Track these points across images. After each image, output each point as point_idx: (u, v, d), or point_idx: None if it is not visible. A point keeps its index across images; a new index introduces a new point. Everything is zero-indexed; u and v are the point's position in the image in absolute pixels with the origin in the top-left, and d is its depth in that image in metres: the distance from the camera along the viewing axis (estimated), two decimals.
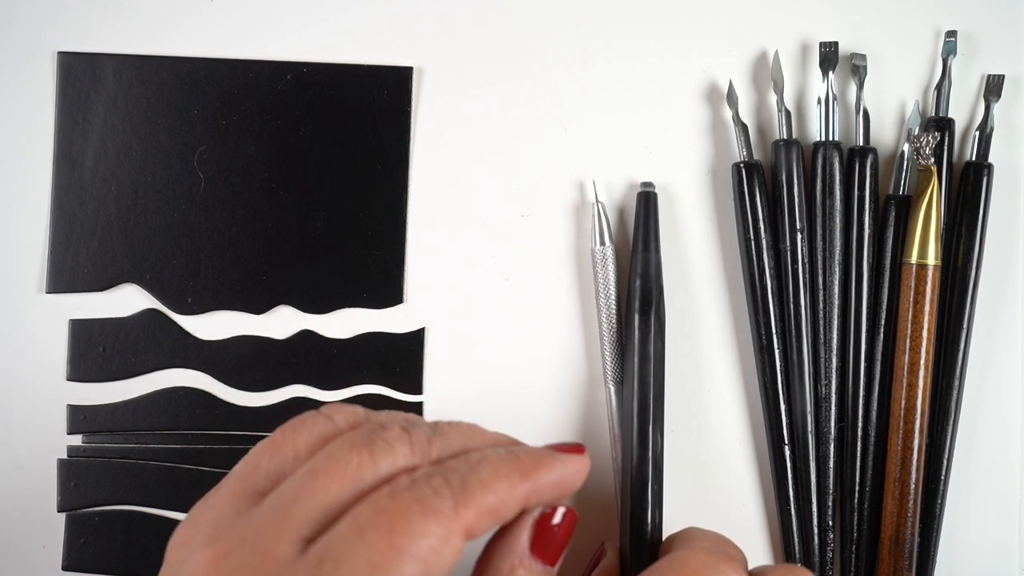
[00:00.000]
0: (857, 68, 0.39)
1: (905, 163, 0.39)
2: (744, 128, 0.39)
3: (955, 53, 0.39)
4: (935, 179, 0.37)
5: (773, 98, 0.40)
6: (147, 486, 0.39)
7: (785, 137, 0.39)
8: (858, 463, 0.38)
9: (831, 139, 0.39)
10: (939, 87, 0.39)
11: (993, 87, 0.39)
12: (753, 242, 0.38)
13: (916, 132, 0.38)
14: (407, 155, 0.40)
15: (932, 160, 0.37)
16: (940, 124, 0.39)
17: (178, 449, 0.39)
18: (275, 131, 0.40)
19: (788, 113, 0.39)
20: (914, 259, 0.37)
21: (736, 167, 0.39)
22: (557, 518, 0.29)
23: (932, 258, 0.37)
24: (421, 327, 0.40)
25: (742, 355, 0.40)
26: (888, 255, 0.38)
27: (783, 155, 0.38)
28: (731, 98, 0.39)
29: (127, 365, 0.39)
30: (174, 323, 0.40)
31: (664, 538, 0.34)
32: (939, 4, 0.40)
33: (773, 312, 0.38)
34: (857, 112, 0.39)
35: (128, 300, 0.40)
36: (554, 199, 0.40)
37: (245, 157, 0.40)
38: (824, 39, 0.40)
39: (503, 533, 0.29)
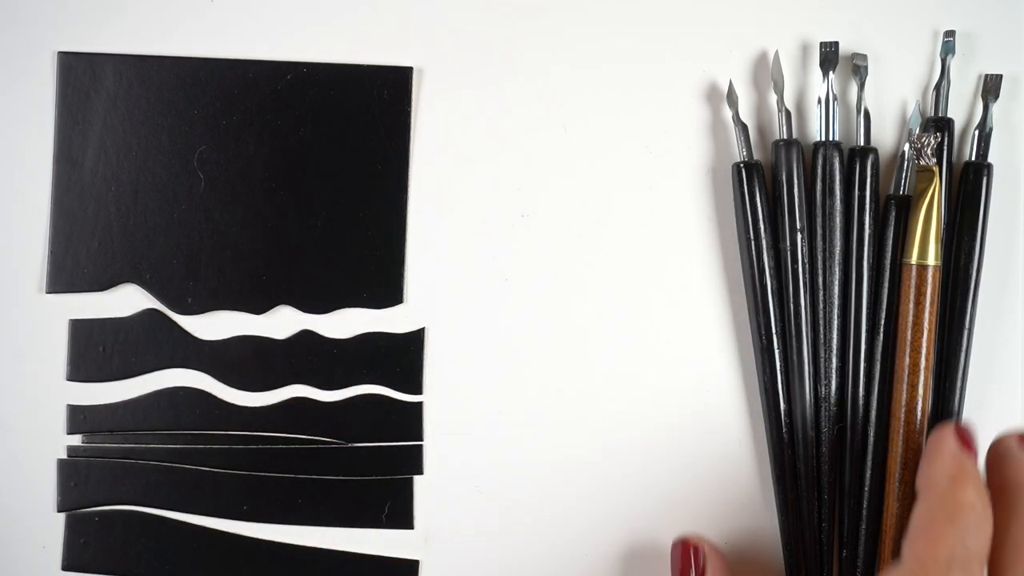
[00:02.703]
0: (858, 68, 0.39)
1: (905, 163, 0.39)
2: (744, 128, 0.39)
3: (953, 53, 0.39)
4: (936, 179, 0.37)
5: (773, 98, 0.40)
6: (147, 486, 0.39)
7: (785, 137, 0.39)
8: (858, 463, 0.38)
9: (831, 139, 0.39)
10: (938, 87, 0.39)
11: (991, 87, 0.39)
12: (753, 242, 0.38)
13: (917, 133, 0.38)
14: (407, 155, 0.40)
15: (934, 161, 0.37)
16: (940, 124, 0.39)
17: (178, 449, 0.39)
18: (275, 131, 0.40)
19: (788, 113, 0.39)
20: (914, 259, 0.37)
21: (736, 167, 0.39)
22: None
23: (932, 258, 0.37)
24: (421, 327, 0.40)
25: (742, 355, 0.40)
26: (888, 255, 0.38)
27: (783, 155, 0.38)
28: (731, 98, 0.39)
29: (127, 365, 0.39)
30: (174, 323, 0.40)
31: None
32: (939, 4, 0.40)
33: (773, 312, 0.38)
34: (858, 112, 0.39)
35: (128, 300, 0.40)
36: (554, 199, 0.40)
37: (245, 157, 0.40)
38: (824, 39, 0.40)
39: None
